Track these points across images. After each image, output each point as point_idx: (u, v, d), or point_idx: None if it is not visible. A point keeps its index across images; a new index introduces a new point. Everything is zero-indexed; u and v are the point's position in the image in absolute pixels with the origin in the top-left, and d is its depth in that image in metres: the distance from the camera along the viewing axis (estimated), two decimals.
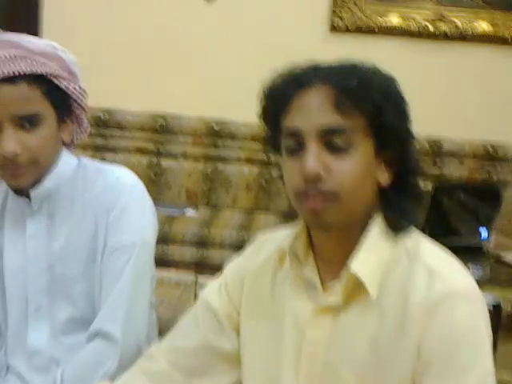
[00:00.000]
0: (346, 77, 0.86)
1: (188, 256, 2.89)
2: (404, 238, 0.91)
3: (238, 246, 3.09)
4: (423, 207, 0.96)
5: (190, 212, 3.18)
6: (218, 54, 3.38)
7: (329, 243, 0.93)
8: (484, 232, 2.56)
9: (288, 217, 3.12)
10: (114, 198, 1.25)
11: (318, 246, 0.95)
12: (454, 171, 3.41)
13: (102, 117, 3.33)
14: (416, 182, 0.94)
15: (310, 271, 0.95)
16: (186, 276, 1.80)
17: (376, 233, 0.90)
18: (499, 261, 2.52)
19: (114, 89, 3.35)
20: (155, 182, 3.33)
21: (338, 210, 0.86)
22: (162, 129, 3.36)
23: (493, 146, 3.40)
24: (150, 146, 3.37)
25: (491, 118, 3.39)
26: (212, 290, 1.07)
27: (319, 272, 0.95)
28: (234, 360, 1.03)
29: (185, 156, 3.36)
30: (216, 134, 3.36)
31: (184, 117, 3.35)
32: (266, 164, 3.33)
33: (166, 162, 3.36)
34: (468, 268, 2.51)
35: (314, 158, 0.85)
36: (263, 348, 0.99)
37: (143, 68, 3.40)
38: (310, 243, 0.96)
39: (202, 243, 2.90)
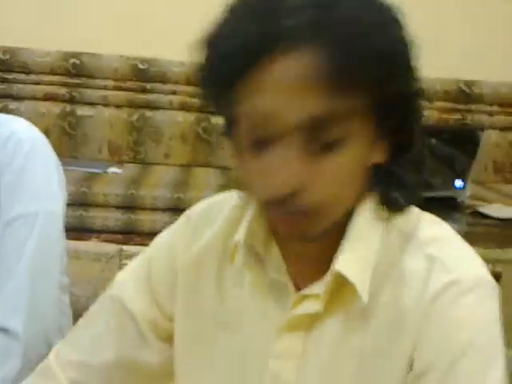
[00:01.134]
0: (340, 31, 0.66)
1: (112, 222, 2.87)
2: (399, 218, 0.79)
3: (173, 209, 3.02)
4: (424, 180, 0.82)
5: (114, 169, 3.14)
6: None
7: (305, 244, 0.80)
8: (459, 182, 2.56)
9: (233, 172, 3.05)
10: (8, 157, 1.15)
11: (287, 242, 0.82)
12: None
13: (1, 57, 3.24)
14: (416, 151, 0.79)
15: (277, 270, 0.82)
16: (108, 246, 1.69)
17: (365, 217, 0.78)
18: (476, 213, 2.54)
19: (17, 23, 3.25)
20: (70, 135, 3.28)
21: (321, 222, 0.73)
22: (76, 70, 3.29)
23: (467, 84, 3.41)
24: (63, 92, 3.30)
25: (464, 53, 3.39)
26: (129, 283, 0.93)
27: (288, 271, 0.82)
28: (163, 377, 0.93)
29: (105, 103, 3.30)
30: (142, 76, 3.31)
31: (103, 55, 3.30)
32: (204, 111, 3.26)
33: (82, 111, 3.30)
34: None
35: (285, 166, 0.68)
36: (216, 369, 0.87)
37: None
38: (271, 231, 0.83)
39: (128, 206, 2.87)
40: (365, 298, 0.76)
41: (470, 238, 2.47)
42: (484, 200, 2.88)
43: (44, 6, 3.26)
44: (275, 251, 0.82)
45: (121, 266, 1.67)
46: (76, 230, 2.74)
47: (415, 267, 0.76)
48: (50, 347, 1.08)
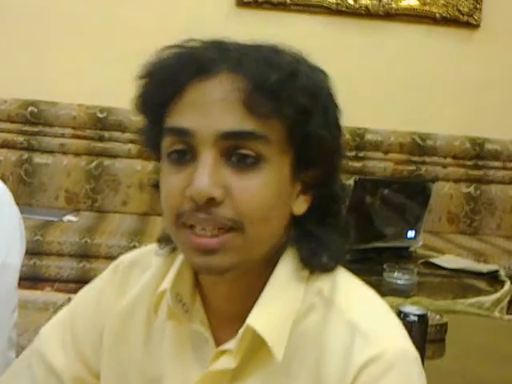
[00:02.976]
0: (265, 67, 0.74)
1: (66, 271, 2.81)
2: (319, 278, 0.80)
3: None
4: (349, 243, 0.86)
5: (70, 217, 3.09)
6: (104, 28, 3.30)
7: (222, 289, 0.80)
8: (411, 232, 2.58)
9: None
10: None
11: (207, 292, 0.82)
12: (378, 164, 3.46)
13: None
14: (340, 211, 0.83)
15: (199, 323, 0.82)
16: (56, 295, 1.69)
17: (285, 274, 0.79)
18: (428, 263, 2.56)
19: None
20: (26, 183, 3.24)
21: (238, 246, 0.74)
22: (34, 118, 3.27)
23: (421, 137, 3.49)
24: (20, 139, 3.27)
25: (419, 106, 3.47)
26: (54, 341, 0.90)
27: (211, 326, 0.82)
28: None
29: (63, 151, 3.28)
30: (101, 124, 3.30)
31: (61, 104, 3.28)
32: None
33: (39, 159, 3.27)
34: (393, 273, 2.44)
35: (208, 173, 0.72)
36: None
37: (15, 46, 3.27)
38: (196, 284, 0.83)
39: (83, 255, 2.83)
40: (279, 355, 0.75)
41: (421, 288, 2.48)
42: (437, 250, 2.92)
43: (1, 53, 3.23)
44: (199, 306, 0.82)
45: None
46: (29, 279, 2.68)
47: (337, 336, 0.76)
48: None
